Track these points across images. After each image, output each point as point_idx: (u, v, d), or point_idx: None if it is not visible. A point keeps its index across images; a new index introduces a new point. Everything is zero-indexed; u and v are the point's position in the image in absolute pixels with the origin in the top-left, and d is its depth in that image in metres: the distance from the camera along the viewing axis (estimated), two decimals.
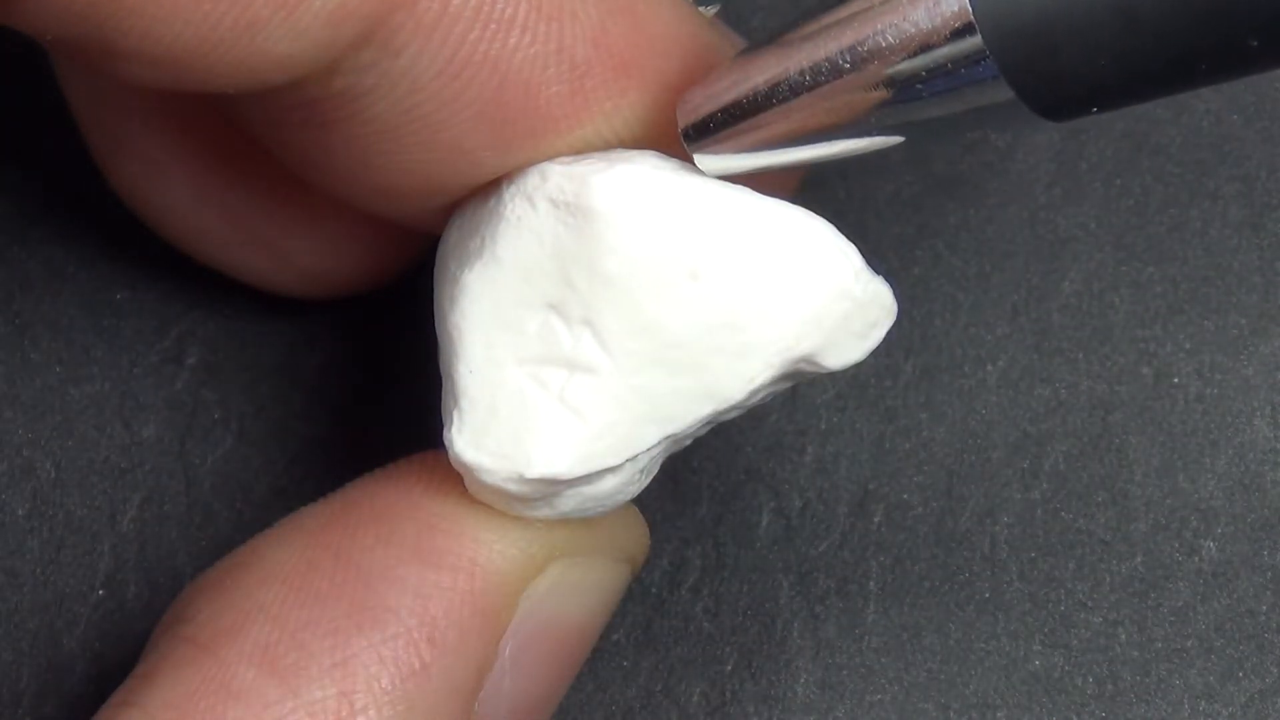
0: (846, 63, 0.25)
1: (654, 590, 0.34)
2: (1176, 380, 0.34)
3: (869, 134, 0.26)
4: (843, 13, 0.25)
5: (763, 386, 0.27)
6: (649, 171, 0.27)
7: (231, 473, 0.34)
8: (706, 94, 0.27)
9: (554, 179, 0.27)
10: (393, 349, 0.34)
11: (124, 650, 0.33)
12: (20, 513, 0.34)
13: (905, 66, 0.25)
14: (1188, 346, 0.34)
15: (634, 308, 0.27)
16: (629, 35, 0.27)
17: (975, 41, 0.24)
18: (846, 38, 0.25)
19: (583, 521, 0.28)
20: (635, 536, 0.30)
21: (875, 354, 0.28)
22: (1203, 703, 0.33)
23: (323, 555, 0.28)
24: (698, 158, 0.27)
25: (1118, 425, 0.34)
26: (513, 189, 0.27)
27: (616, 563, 0.29)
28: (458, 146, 0.27)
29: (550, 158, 0.27)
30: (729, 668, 0.33)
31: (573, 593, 0.29)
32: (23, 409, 0.34)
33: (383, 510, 0.28)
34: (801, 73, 0.26)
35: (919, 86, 0.25)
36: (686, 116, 0.27)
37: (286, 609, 0.27)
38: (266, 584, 0.27)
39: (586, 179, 0.27)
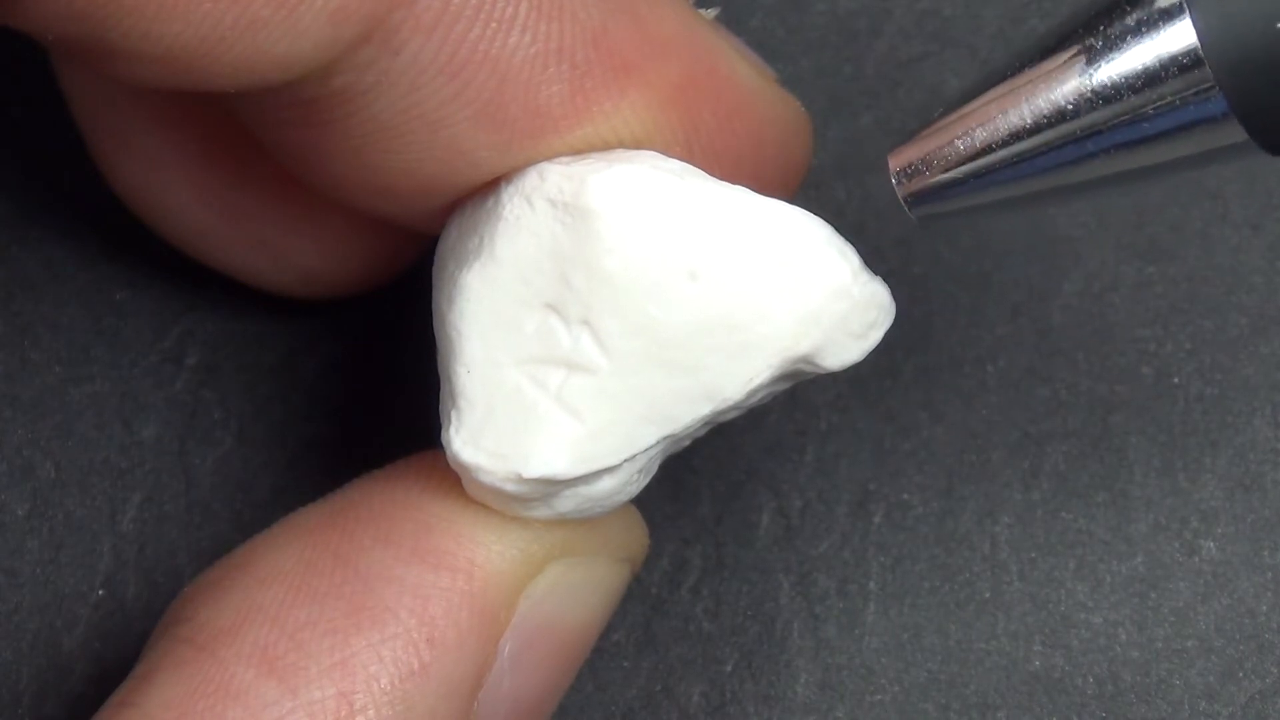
0: (1070, 105, 0.25)
1: (654, 590, 0.34)
2: (1176, 380, 0.34)
3: (1089, 176, 0.26)
4: (1063, 56, 0.25)
5: (761, 387, 0.27)
6: (647, 171, 0.27)
7: (231, 473, 0.34)
8: (920, 148, 0.27)
9: (552, 179, 0.27)
10: (392, 349, 0.34)
11: (124, 650, 0.33)
12: (20, 513, 0.34)
13: (1131, 101, 0.25)
14: (1188, 346, 0.34)
15: (632, 307, 0.27)
16: (629, 36, 0.27)
17: (1204, 73, 0.24)
18: (1073, 83, 0.25)
19: (582, 521, 0.28)
20: (635, 536, 0.30)
21: (875, 354, 0.28)
22: (1203, 703, 0.33)
23: (321, 556, 0.28)
24: (912, 204, 0.27)
25: (1118, 425, 0.34)
26: (511, 189, 0.27)
27: (616, 563, 0.29)
28: (457, 146, 0.27)
29: (550, 158, 0.27)
30: (729, 668, 0.33)
31: (572, 593, 0.29)
32: (23, 409, 0.34)
33: (381, 510, 0.28)
34: (1022, 119, 0.26)
35: (1144, 124, 0.25)
36: (899, 163, 0.27)
37: (285, 609, 0.27)
38: (265, 584, 0.27)
39: (584, 179, 0.27)
